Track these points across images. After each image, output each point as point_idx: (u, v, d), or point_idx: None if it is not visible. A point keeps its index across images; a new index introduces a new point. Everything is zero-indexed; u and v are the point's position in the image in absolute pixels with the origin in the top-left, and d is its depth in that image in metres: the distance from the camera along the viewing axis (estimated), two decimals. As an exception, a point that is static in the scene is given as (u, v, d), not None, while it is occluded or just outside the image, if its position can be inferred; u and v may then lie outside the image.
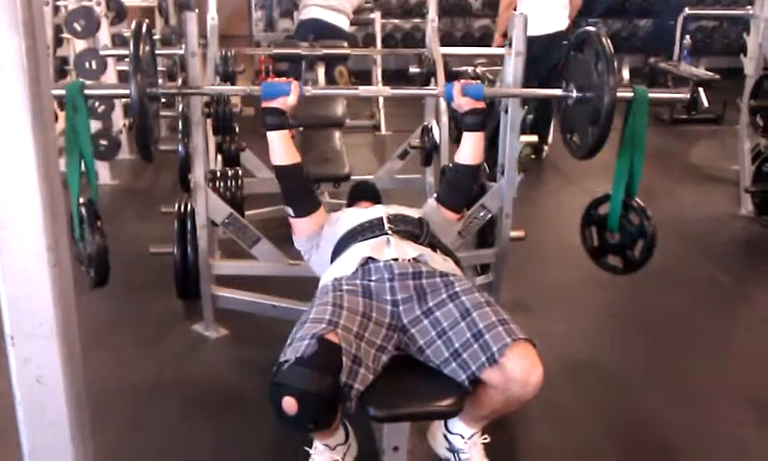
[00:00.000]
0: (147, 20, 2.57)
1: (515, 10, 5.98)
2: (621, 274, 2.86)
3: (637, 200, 2.75)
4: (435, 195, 2.71)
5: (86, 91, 2.42)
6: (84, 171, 2.45)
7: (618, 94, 2.49)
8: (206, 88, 3.08)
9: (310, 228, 2.54)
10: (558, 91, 2.78)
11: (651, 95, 2.66)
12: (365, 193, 2.95)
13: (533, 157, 6.18)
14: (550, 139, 6.36)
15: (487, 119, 2.65)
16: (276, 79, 2.55)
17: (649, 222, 2.72)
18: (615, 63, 2.48)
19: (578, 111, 2.69)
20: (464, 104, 2.59)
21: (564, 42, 5.98)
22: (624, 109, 2.67)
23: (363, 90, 2.99)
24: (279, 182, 2.55)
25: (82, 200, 2.46)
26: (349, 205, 2.94)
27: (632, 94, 2.64)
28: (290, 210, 2.56)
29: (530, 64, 6.53)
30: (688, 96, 2.82)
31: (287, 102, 2.48)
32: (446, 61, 3.97)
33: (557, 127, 2.92)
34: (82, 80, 2.47)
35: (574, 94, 2.70)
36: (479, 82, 2.75)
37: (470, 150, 2.61)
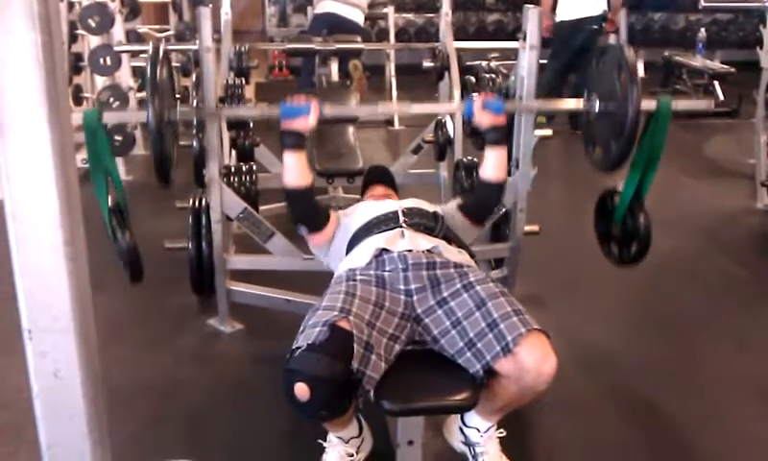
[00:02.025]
0: (163, 42, 2.58)
1: None
2: (616, 265, 2.89)
3: (643, 205, 2.73)
4: (459, 202, 2.69)
5: (105, 120, 2.44)
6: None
7: (642, 106, 2.43)
8: (225, 111, 3.09)
9: (326, 236, 2.55)
10: (580, 103, 2.72)
11: (674, 106, 2.60)
12: (379, 177, 2.96)
13: (572, 130, 6.43)
14: None
15: (509, 134, 2.62)
16: (296, 98, 2.51)
17: (647, 229, 2.70)
18: (639, 76, 2.43)
19: (600, 124, 2.64)
20: (484, 120, 2.53)
21: (594, 27, 6.34)
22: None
23: (382, 107, 2.94)
24: (289, 204, 2.54)
25: (111, 204, 2.55)
26: (364, 188, 2.96)
27: (655, 106, 2.57)
28: (303, 229, 2.57)
29: (559, 48, 6.81)
30: (713, 105, 2.76)
31: (307, 123, 2.45)
32: (460, 56, 3.95)
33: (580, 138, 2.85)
34: (98, 109, 2.49)
35: (596, 107, 2.64)
36: (498, 96, 2.66)
37: (495, 166, 2.56)
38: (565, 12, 6.45)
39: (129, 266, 2.62)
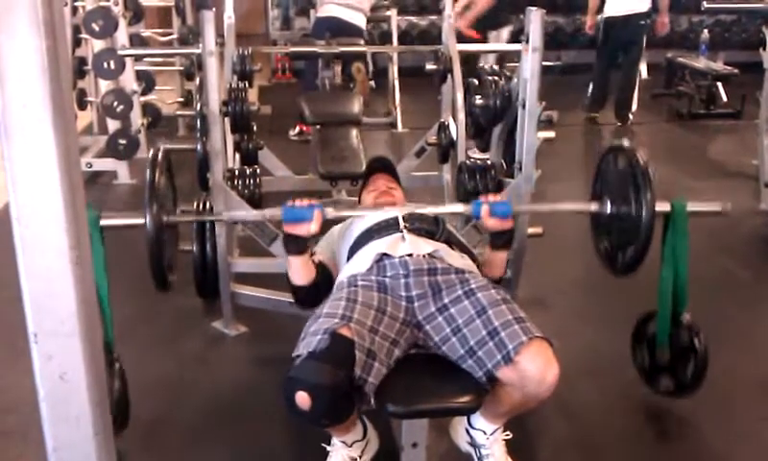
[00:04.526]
0: (164, 147, 2.54)
1: None
2: (675, 397, 2.69)
3: (687, 316, 2.62)
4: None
5: (102, 223, 2.34)
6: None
7: (656, 209, 2.38)
8: (224, 215, 2.90)
9: (335, 277, 2.47)
10: (593, 206, 2.61)
11: (690, 208, 2.51)
12: (381, 166, 2.95)
13: (619, 124, 7.00)
14: (634, 105, 7.11)
15: (513, 239, 2.54)
16: (298, 202, 2.37)
17: (699, 339, 2.56)
18: (653, 179, 2.36)
19: (613, 226, 2.55)
20: (492, 225, 2.43)
21: (642, 22, 6.89)
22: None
23: (390, 211, 2.75)
24: (293, 295, 2.47)
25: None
26: (366, 178, 2.94)
27: (669, 209, 2.49)
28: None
29: (605, 45, 7.41)
30: (729, 207, 2.56)
31: (309, 230, 2.32)
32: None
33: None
34: (96, 212, 2.34)
35: (608, 210, 2.55)
36: (505, 199, 2.50)
37: (498, 266, 2.51)
38: (615, 8, 6.87)
39: (115, 409, 2.27)
